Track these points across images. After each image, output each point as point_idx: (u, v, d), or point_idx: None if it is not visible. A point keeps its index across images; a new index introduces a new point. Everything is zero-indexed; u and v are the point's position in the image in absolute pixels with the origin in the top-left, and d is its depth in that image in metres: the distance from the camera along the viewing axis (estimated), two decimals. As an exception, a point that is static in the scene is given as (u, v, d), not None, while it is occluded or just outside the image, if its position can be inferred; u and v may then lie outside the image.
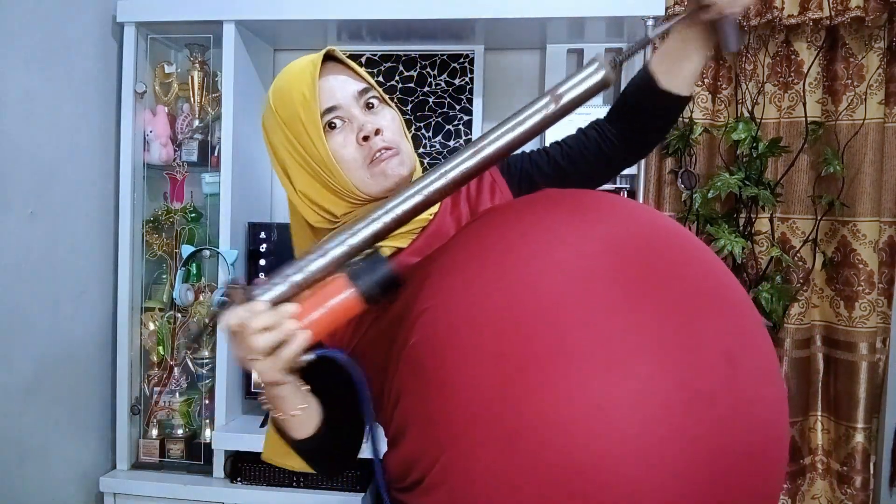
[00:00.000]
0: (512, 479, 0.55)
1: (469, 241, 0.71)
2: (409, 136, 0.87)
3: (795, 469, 1.87)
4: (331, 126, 0.80)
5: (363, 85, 0.82)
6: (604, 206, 0.70)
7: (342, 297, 0.67)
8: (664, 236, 0.65)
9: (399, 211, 0.70)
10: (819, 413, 1.87)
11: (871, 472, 1.81)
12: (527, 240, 0.64)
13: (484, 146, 0.70)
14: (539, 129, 0.71)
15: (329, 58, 0.83)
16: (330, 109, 0.79)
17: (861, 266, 1.79)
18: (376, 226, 0.70)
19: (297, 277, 0.68)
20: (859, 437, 1.78)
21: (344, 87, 0.81)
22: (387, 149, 0.80)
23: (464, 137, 2.06)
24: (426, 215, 0.84)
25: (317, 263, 0.69)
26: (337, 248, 0.69)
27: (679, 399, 0.54)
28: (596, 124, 0.92)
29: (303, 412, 0.75)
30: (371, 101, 0.82)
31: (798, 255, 1.85)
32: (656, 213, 0.72)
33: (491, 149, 0.70)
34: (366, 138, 0.79)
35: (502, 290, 0.61)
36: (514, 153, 0.75)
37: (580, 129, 0.94)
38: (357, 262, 0.69)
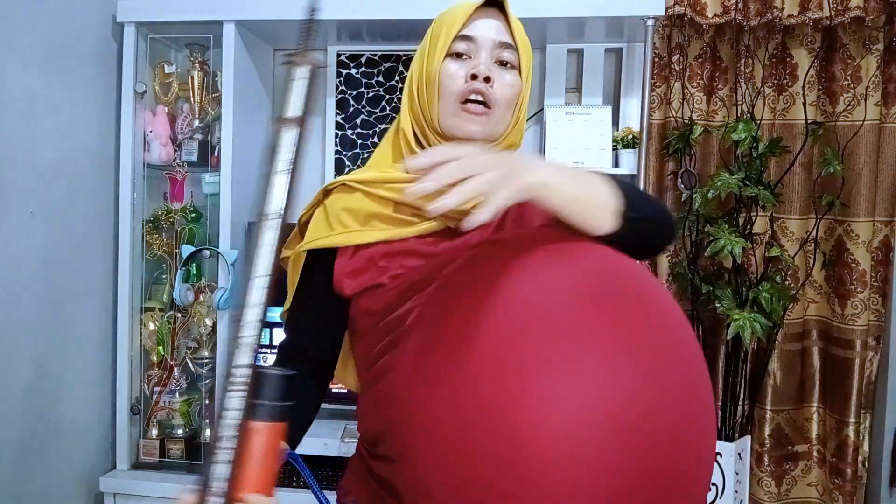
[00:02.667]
0: (463, 476, 0.60)
1: (472, 266, 0.72)
2: (524, 115, 0.87)
3: (784, 454, 1.93)
4: (458, 55, 0.82)
5: (509, 40, 0.83)
6: (587, 250, 0.70)
7: (263, 441, 0.66)
8: (619, 281, 0.68)
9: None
10: (815, 404, 1.91)
11: (860, 465, 1.85)
12: (518, 271, 0.67)
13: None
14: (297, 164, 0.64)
15: (499, 5, 0.84)
16: (464, 37, 0.82)
17: (854, 265, 1.82)
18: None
19: (222, 470, 0.66)
20: (849, 431, 1.82)
21: (490, 30, 0.82)
22: (481, 102, 0.80)
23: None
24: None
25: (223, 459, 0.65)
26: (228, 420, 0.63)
27: (616, 412, 0.57)
28: None
29: None
30: (507, 58, 0.83)
31: (795, 255, 1.86)
32: (616, 260, 0.70)
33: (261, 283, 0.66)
34: (473, 76, 0.80)
35: (486, 310, 0.64)
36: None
37: None
38: (249, 402, 0.64)
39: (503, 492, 0.58)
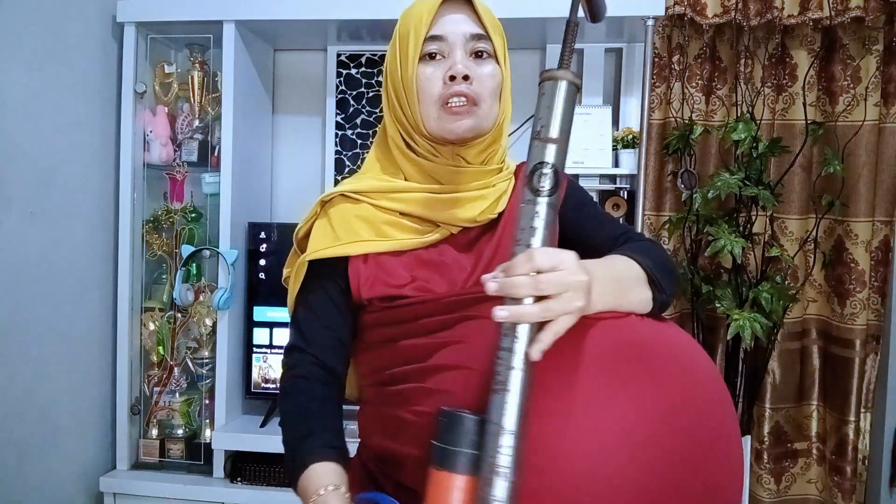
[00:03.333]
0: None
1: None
2: (509, 97, 0.86)
3: (783, 452, 1.93)
4: (430, 56, 0.80)
5: (480, 31, 0.81)
6: (664, 373, 0.69)
7: (463, 498, 0.60)
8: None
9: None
10: (815, 402, 1.92)
11: (859, 463, 1.85)
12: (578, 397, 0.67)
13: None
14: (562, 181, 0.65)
15: None
16: (434, 38, 0.80)
17: (853, 265, 1.82)
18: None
19: None
20: (848, 429, 1.83)
21: (459, 25, 0.80)
22: (464, 97, 0.79)
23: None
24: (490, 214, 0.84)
25: None
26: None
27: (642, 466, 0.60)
28: (610, 247, 0.85)
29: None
30: (481, 48, 0.81)
31: (795, 255, 1.86)
32: (705, 377, 0.71)
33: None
34: (452, 78, 0.79)
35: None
36: (575, 192, 0.86)
37: (605, 228, 0.90)
38: (439, 448, 0.62)
39: None
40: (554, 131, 0.65)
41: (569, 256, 0.61)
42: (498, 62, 0.82)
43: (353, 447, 0.84)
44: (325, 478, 0.73)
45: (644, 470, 0.60)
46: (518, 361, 0.58)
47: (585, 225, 0.88)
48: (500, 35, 0.84)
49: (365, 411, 0.86)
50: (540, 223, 0.61)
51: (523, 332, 0.59)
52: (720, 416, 0.68)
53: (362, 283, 0.80)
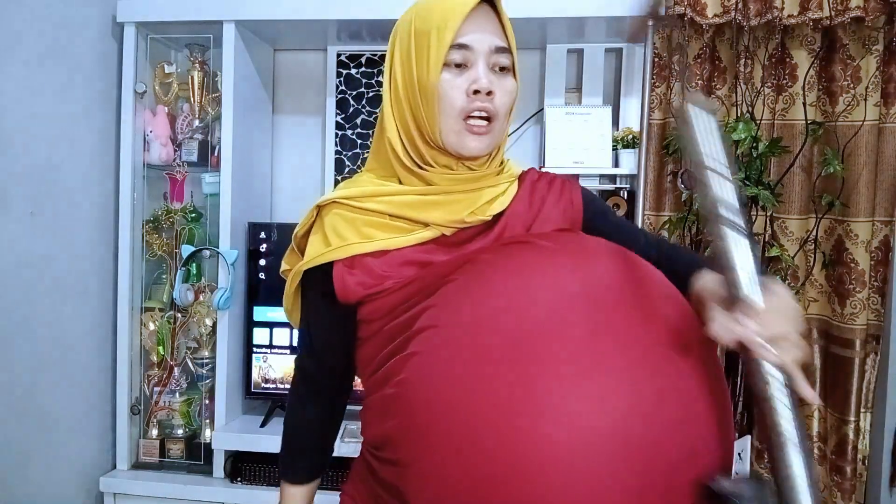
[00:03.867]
0: (464, 481, 0.62)
1: (484, 269, 0.74)
2: (510, 115, 0.85)
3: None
4: (455, 65, 0.78)
5: (504, 44, 0.80)
6: (602, 255, 0.75)
7: None
8: (645, 289, 0.72)
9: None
10: (816, 402, 1.91)
11: (862, 463, 1.85)
12: (530, 274, 0.71)
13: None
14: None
15: (491, 3, 0.80)
16: (461, 46, 0.77)
17: (853, 265, 1.82)
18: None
19: None
20: (849, 429, 1.83)
21: (486, 36, 0.78)
22: (485, 118, 0.78)
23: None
24: (497, 206, 0.83)
25: None
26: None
27: (625, 427, 0.60)
28: (654, 254, 0.85)
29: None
30: (503, 63, 0.80)
31: (795, 255, 1.86)
32: (630, 266, 0.74)
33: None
34: (476, 92, 0.77)
35: (497, 313, 0.67)
36: (594, 200, 0.88)
37: (639, 236, 0.91)
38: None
39: (510, 501, 0.59)
40: (706, 154, 0.62)
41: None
42: (515, 77, 0.82)
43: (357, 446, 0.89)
44: (292, 500, 0.98)
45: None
46: (787, 408, 0.58)
47: (614, 234, 0.86)
48: (515, 48, 0.83)
49: (364, 406, 0.87)
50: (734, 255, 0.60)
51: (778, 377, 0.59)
52: (721, 396, 0.69)
53: (347, 287, 0.81)
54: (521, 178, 0.89)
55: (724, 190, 0.59)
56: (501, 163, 0.88)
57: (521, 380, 0.61)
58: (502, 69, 0.80)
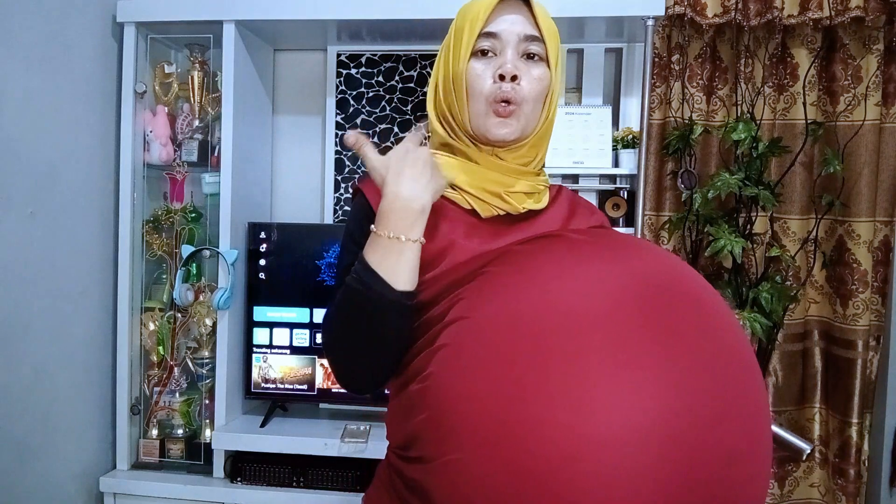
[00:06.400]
0: (497, 476, 0.60)
1: (518, 259, 0.74)
2: (555, 106, 0.86)
3: (786, 456, 1.93)
4: (483, 53, 0.81)
5: (535, 32, 0.82)
6: (639, 249, 0.75)
7: None
8: (685, 284, 0.71)
9: None
10: (818, 405, 1.91)
11: (865, 465, 1.85)
12: (565, 266, 0.70)
13: None
14: None
15: None
16: (488, 34, 0.81)
17: (855, 265, 1.82)
18: None
19: None
20: (851, 431, 1.83)
21: (515, 24, 0.81)
22: (509, 102, 0.79)
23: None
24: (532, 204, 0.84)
25: None
26: None
27: (664, 422, 0.58)
28: None
29: (420, 246, 0.74)
30: (533, 51, 0.82)
31: (796, 254, 1.86)
32: (668, 263, 0.74)
33: None
34: (501, 77, 0.79)
35: (530, 303, 0.65)
36: None
37: None
38: None
39: (545, 500, 0.57)
40: None
41: None
42: (549, 66, 0.83)
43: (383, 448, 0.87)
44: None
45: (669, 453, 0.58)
46: None
47: None
48: (556, 41, 0.84)
49: (388, 410, 0.85)
50: None
51: None
52: (761, 395, 0.67)
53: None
54: (554, 190, 0.91)
55: None
56: (539, 171, 0.89)
57: (557, 372, 0.60)
58: (531, 57, 0.82)
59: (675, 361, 0.60)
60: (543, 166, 0.91)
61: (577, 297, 0.64)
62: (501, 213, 0.83)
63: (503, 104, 0.80)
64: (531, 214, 0.85)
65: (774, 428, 0.64)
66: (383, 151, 0.77)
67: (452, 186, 0.83)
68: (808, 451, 0.65)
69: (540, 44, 0.82)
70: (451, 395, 0.65)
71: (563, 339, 0.61)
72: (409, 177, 0.73)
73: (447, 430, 0.65)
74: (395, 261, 0.73)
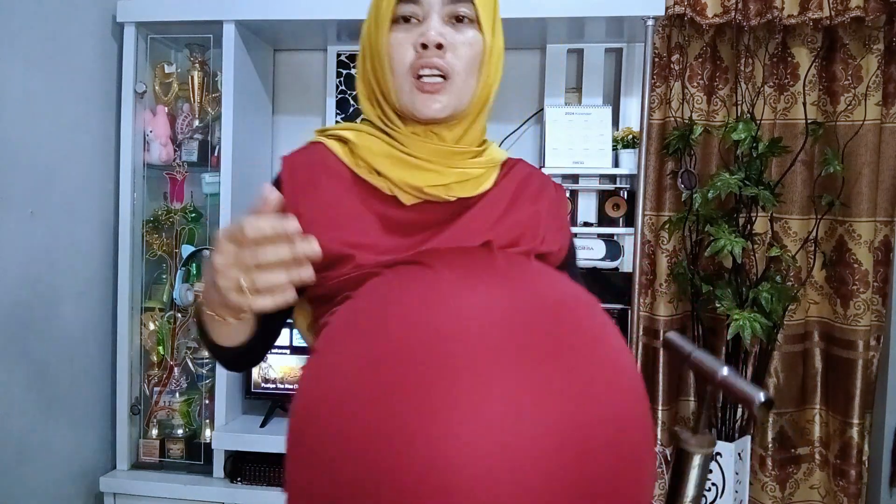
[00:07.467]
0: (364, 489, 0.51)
1: (417, 271, 0.66)
2: (495, 72, 0.76)
3: (786, 457, 1.93)
4: (404, 20, 0.73)
5: None
6: (523, 275, 0.67)
7: None
8: (565, 308, 0.62)
9: None
10: (818, 406, 1.91)
11: (866, 466, 1.85)
12: (448, 288, 0.61)
13: None
14: None
15: None
16: (408, 0, 0.72)
17: (856, 266, 1.81)
18: None
19: None
20: (853, 432, 1.82)
21: None
22: (435, 72, 0.71)
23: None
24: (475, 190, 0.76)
25: None
26: None
27: (545, 428, 0.51)
28: None
29: (243, 320, 0.68)
30: (462, 13, 0.72)
31: (796, 254, 1.86)
32: (565, 286, 0.66)
33: None
34: (424, 46, 0.71)
35: (405, 314, 0.58)
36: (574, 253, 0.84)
37: None
38: None
39: None
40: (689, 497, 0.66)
41: None
42: (481, 29, 0.74)
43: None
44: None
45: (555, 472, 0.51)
46: None
47: (566, 269, 0.80)
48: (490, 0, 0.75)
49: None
50: None
51: None
52: (638, 402, 0.60)
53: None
54: (506, 165, 0.81)
55: None
56: (483, 144, 0.80)
57: (419, 386, 0.52)
58: (460, 19, 0.73)
59: (550, 379, 0.54)
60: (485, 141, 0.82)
61: (461, 323, 0.56)
62: (422, 200, 0.75)
63: (430, 78, 0.71)
64: (462, 203, 0.75)
65: (728, 375, 0.63)
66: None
67: (376, 171, 0.75)
68: (762, 401, 0.62)
69: (468, 4, 0.72)
70: (299, 409, 0.58)
71: (430, 356, 0.54)
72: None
73: (293, 445, 0.58)
74: (219, 327, 0.70)
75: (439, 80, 0.72)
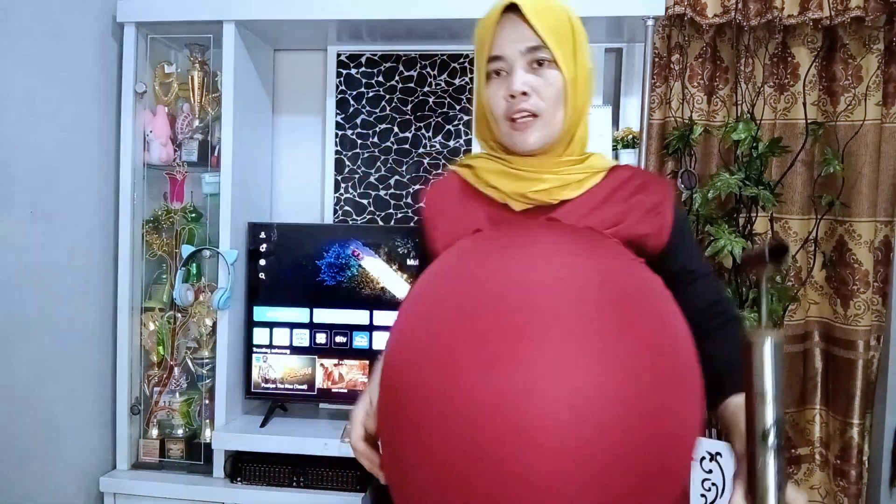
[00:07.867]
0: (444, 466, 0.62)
1: (484, 240, 0.80)
2: (584, 101, 0.88)
3: (787, 457, 1.91)
4: (496, 73, 0.87)
5: (536, 42, 0.84)
6: (597, 257, 0.75)
7: None
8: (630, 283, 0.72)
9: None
10: (818, 406, 1.91)
11: (866, 466, 1.84)
12: (524, 255, 0.72)
13: None
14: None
15: (516, 7, 0.85)
16: (495, 58, 0.86)
17: (856, 266, 1.81)
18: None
19: None
20: (853, 432, 1.82)
21: (515, 41, 0.85)
22: (525, 114, 0.85)
23: (464, 137, 2.06)
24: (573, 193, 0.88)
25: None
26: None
27: (599, 401, 0.60)
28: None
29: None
30: (542, 58, 0.85)
31: (796, 254, 1.86)
32: (629, 272, 0.74)
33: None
34: (512, 96, 0.85)
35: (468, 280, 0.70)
36: (678, 237, 0.88)
37: (688, 294, 0.86)
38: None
39: (489, 482, 0.58)
40: (769, 389, 0.67)
41: None
42: (560, 67, 0.85)
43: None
44: None
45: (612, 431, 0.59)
46: None
47: (673, 251, 0.88)
48: (564, 36, 0.85)
49: None
50: (773, 479, 0.66)
51: None
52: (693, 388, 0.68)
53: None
54: (612, 171, 0.91)
55: (773, 417, 0.66)
56: (582, 154, 0.92)
57: (485, 354, 0.61)
58: (541, 63, 0.85)
59: (622, 349, 0.62)
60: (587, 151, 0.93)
61: (534, 296, 0.65)
62: (531, 205, 0.88)
63: (521, 117, 0.85)
64: (560, 204, 0.87)
65: (752, 252, 0.68)
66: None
67: (491, 185, 0.90)
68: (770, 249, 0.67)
69: (544, 50, 0.84)
70: (387, 375, 0.70)
71: (491, 322, 0.63)
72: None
73: (385, 416, 0.70)
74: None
75: (530, 118, 0.85)
